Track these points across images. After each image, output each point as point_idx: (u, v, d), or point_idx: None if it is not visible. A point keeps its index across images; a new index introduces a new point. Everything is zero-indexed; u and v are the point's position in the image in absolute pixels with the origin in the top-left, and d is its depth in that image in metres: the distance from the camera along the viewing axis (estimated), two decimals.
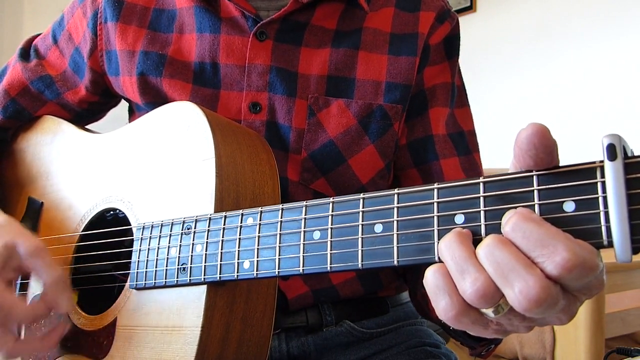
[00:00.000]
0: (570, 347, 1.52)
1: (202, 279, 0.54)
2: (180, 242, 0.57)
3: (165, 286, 0.58)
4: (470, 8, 3.48)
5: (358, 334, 0.77)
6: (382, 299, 0.81)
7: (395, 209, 0.42)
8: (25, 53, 0.87)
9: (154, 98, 0.76)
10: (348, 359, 0.75)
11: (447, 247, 0.38)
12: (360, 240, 0.44)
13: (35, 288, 0.70)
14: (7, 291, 0.59)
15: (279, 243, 0.49)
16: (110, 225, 0.69)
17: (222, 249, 0.53)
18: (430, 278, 0.38)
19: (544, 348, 1.61)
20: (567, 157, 0.38)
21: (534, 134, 0.35)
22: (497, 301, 0.36)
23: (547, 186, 0.37)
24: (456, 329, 0.58)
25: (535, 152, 0.36)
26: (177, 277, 0.56)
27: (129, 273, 0.62)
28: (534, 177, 0.37)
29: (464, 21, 3.30)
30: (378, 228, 0.43)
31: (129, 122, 0.84)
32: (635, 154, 0.34)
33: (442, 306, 0.37)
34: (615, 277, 1.52)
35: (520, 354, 1.69)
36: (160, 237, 0.59)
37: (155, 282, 0.58)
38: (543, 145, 0.35)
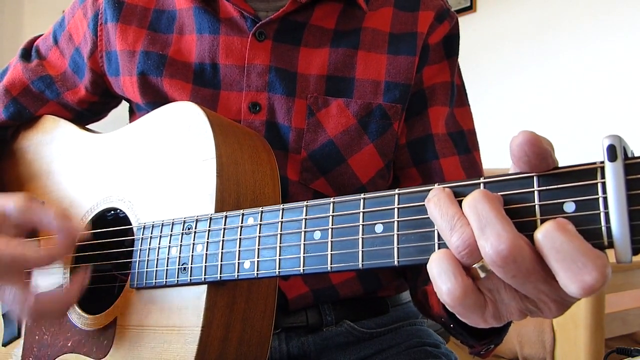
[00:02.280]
0: (570, 347, 1.52)
1: (203, 279, 0.54)
2: (181, 241, 0.57)
3: (165, 286, 0.58)
4: (470, 8, 3.48)
5: (358, 333, 0.77)
6: (381, 298, 0.81)
7: (396, 210, 0.42)
8: (27, 53, 0.87)
9: (155, 98, 0.76)
10: (348, 358, 0.75)
11: (437, 206, 0.39)
12: (360, 240, 0.44)
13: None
14: (13, 240, 0.58)
15: (280, 243, 0.49)
16: (111, 225, 0.69)
17: (222, 249, 0.53)
18: (435, 263, 0.38)
19: (544, 348, 1.61)
20: (567, 157, 0.38)
21: (525, 143, 0.35)
22: (480, 255, 0.37)
23: (548, 187, 0.37)
24: (456, 324, 0.58)
25: (528, 159, 0.36)
26: (178, 277, 0.56)
27: (129, 273, 0.62)
28: (534, 177, 0.37)
29: (464, 21, 3.31)
30: (378, 228, 0.43)
31: (130, 122, 0.85)
32: (636, 154, 0.34)
33: (447, 288, 0.37)
34: (615, 277, 1.52)
35: (520, 354, 1.69)
36: (160, 236, 0.59)
37: (155, 282, 0.58)
38: (534, 152, 0.36)
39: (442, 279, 0.38)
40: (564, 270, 0.34)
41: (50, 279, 0.70)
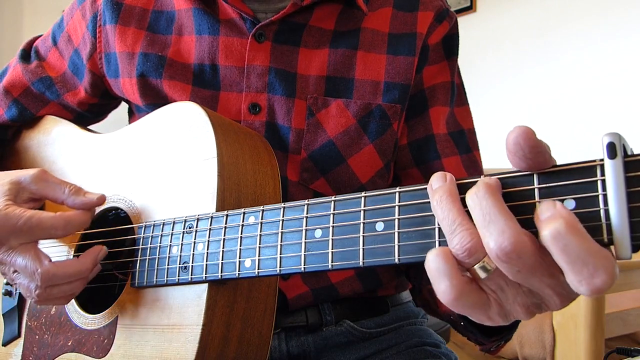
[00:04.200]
0: (570, 347, 1.52)
1: (204, 278, 0.54)
2: (182, 240, 0.57)
3: (166, 285, 0.58)
4: (470, 8, 3.49)
5: (358, 333, 0.77)
6: (381, 298, 0.81)
7: (397, 207, 0.42)
8: (26, 54, 0.87)
9: (155, 99, 0.76)
10: (348, 358, 0.75)
11: (439, 204, 0.39)
12: (361, 238, 0.44)
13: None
14: (27, 207, 0.58)
15: (281, 241, 0.49)
16: (112, 225, 0.69)
17: (223, 248, 0.53)
18: (432, 262, 0.38)
19: (544, 348, 1.61)
20: (567, 156, 0.38)
21: (519, 135, 0.36)
22: (482, 256, 0.37)
23: (548, 184, 0.37)
24: (466, 322, 0.58)
25: (523, 153, 0.36)
26: (179, 276, 0.56)
27: (130, 272, 0.62)
28: (534, 175, 0.37)
29: (464, 21, 3.31)
30: (379, 226, 0.43)
31: (129, 124, 0.85)
32: (635, 152, 0.35)
33: (442, 289, 0.38)
34: None
35: (520, 354, 1.69)
36: (161, 235, 0.59)
37: (156, 281, 0.58)
38: (529, 146, 0.36)
39: (438, 279, 0.38)
40: (574, 273, 0.34)
41: None
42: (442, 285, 0.38)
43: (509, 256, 0.35)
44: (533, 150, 0.36)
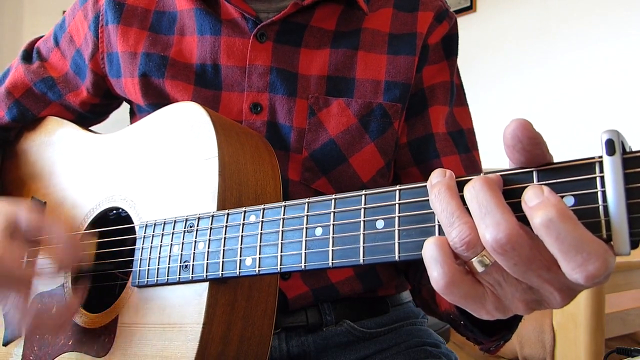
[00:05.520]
0: (570, 347, 1.52)
1: (204, 276, 0.54)
2: (183, 239, 0.57)
3: (167, 284, 0.58)
4: (470, 8, 3.49)
5: (358, 333, 0.77)
6: (382, 298, 0.81)
7: (397, 205, 0.43)
8: (28, 55, 0.88)
9: (157, 99, 0.76)
10: (348, 358, 0.75)
11: (438, 199, 0.39)
12: (362, 236, 0.44)
13: (42, 261, 0.72)
14: (26, 264, 0.62)
15: (281, 240, 0.49)
16: (113, 224, 0.69)
17: (224, 246, 0.53)
18: (427, 250, 0.39)
19: (544, 348, 1.61)
20: (567, 156, 0.38)
21: (517, 127, 0.36)
22: (480, 250, 0.37)
23: (547, 181, 0.37)
24: (467, 321, 0.59)
25: (521, 145, 0.36)
26: (179, 275, 0.56)
27: (131, 271, 0.62)
28: (534, 172, 0.38)
29: (464, 21, 3.31)
30: (380, 224, 0.43)
31: (130, 124, 0.85)
32: (634, 149, 0.35)
33: (434, 276, 0.38)
34: (615, 277, 1.52)
35: (520, 354, 1.69)
36: (162, 235, 0.59)
37: (157, 280, 0.59)
38: (527, 137, 0.36)
39: (431, 266, 0.38)
40: (568, 261, 0.34)
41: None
42: (435, 272, 0.38)
43: (504, 248, 0.35)
44: (532, 141, 0.36)
